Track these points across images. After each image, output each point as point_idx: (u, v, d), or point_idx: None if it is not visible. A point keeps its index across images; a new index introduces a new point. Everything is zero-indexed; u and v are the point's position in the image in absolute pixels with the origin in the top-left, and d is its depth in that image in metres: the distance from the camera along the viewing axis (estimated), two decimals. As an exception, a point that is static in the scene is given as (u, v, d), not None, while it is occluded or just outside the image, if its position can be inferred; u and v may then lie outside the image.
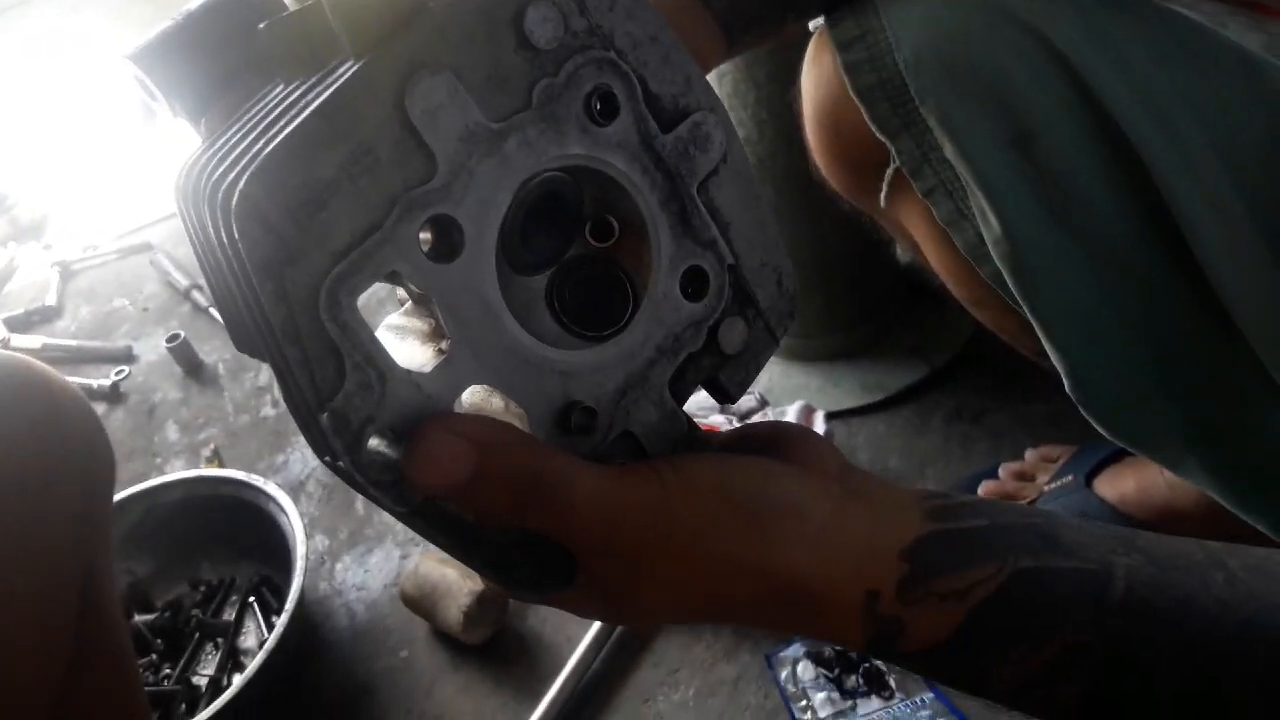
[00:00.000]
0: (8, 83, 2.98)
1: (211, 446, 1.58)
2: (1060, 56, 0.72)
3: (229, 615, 1.34)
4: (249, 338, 0.38)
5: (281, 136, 0.32)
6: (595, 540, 0.37)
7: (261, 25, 0.37)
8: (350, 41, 0.34)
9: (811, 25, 0.88)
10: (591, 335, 0.41)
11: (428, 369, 0.36)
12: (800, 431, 0.44)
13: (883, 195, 0.81)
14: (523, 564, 0.39)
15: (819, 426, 1.20)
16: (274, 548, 1.30)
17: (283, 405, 1.63)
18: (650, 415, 0.42)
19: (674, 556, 0.38)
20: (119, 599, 0.76)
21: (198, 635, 1.31)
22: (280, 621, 1.16)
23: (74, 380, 1.76)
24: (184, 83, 0.43)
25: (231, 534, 1.36)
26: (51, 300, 2.03)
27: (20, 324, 1.98)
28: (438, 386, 0.36)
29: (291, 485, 1.48)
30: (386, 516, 1.40)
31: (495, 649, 1.18)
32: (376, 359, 0.34)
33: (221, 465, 1.54)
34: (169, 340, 1.75)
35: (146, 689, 1.25)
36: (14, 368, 0.66)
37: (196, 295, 1.90)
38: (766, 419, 1.24)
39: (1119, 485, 1.06)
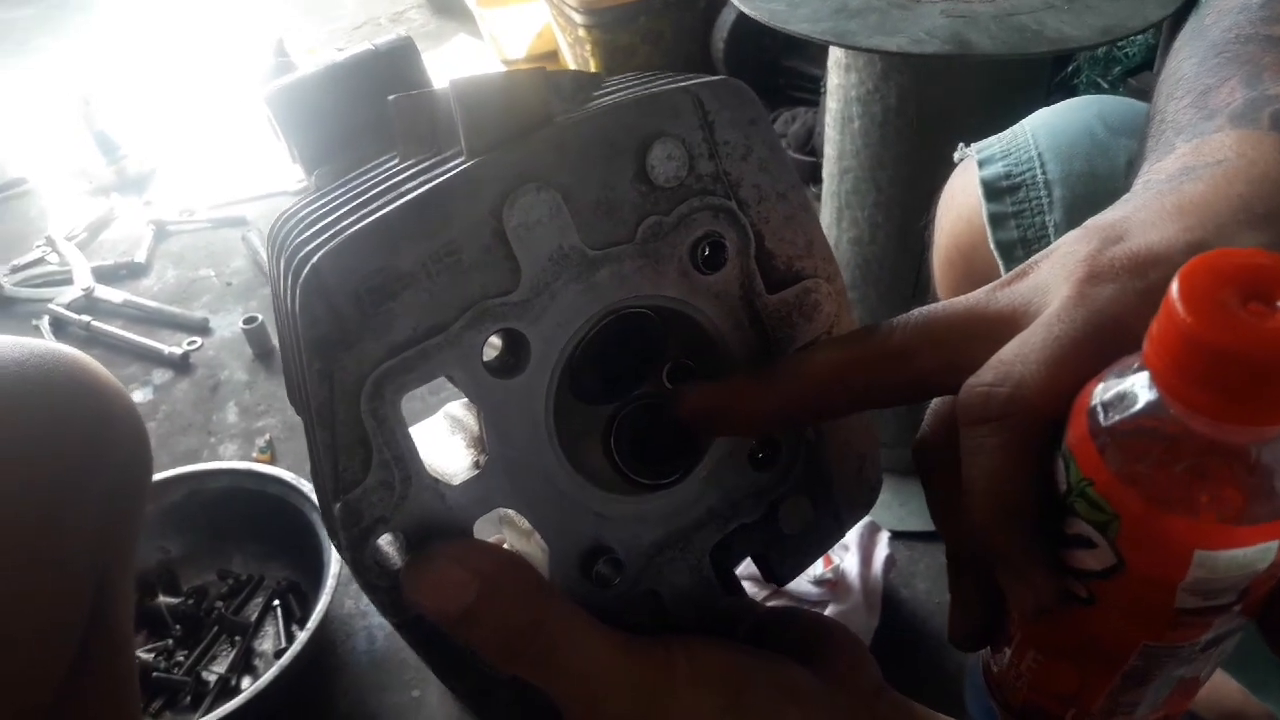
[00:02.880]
0: (146, 32, 3.05)
1: (267, 437, 1.58)
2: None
3: (251, 614, 1.32)
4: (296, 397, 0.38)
5: (370, 220, 0.31)
6: (583, 708, 0.34)
7: (392, 98, 0.36)
8: (466, 138, 0.33)
9: (957, 155, 0.85)
10: (641, 482, 0.38)
11: (457, 480, 0.34)
12: (842, 636, 0.40)
13: None
14: (505, 703, 0.37)
15: (882, 547, 1.15)
16: (307, 555, 1.28)
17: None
18: (682, 579, 0.38)
19: None
20: (131, 618, 0.73)
21: (216, 629, 1.30)
22: (301, 638, 1.14)
23: (147, 343, 1.78)
24: (307, 133, 0.42)
25: (268, 533, 1.35)
26: (141, 258, 2.05)
27: (107, 275, 2.00)
28: (463, 501, 0.34)
29: (336, 492, 1.46)
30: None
31: (508, 709, 1.15)
32: (406, 460, 0.33)
33: (274, 458, 1.54)
34: (246, 321, 1.75)
35: (157, 675, 1.24)
36: (71, 366, 0.64)
37: (280, 280, 1.91)
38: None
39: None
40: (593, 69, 2.19)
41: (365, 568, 0.33)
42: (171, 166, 2.39)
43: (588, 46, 2.16)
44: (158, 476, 1.38)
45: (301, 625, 1.24)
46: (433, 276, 0.32)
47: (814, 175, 1.89)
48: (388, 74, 0.41)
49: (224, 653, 1.29)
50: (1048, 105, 0.86)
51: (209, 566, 1.38)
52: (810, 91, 2.04)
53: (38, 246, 2.07)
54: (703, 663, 0.35)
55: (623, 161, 0.34)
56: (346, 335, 0.31)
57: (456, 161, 0.33)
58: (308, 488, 1.30)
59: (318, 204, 0.36)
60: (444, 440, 0.39)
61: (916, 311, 0.36)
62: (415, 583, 0.33)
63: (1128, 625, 0.31)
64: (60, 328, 1.86)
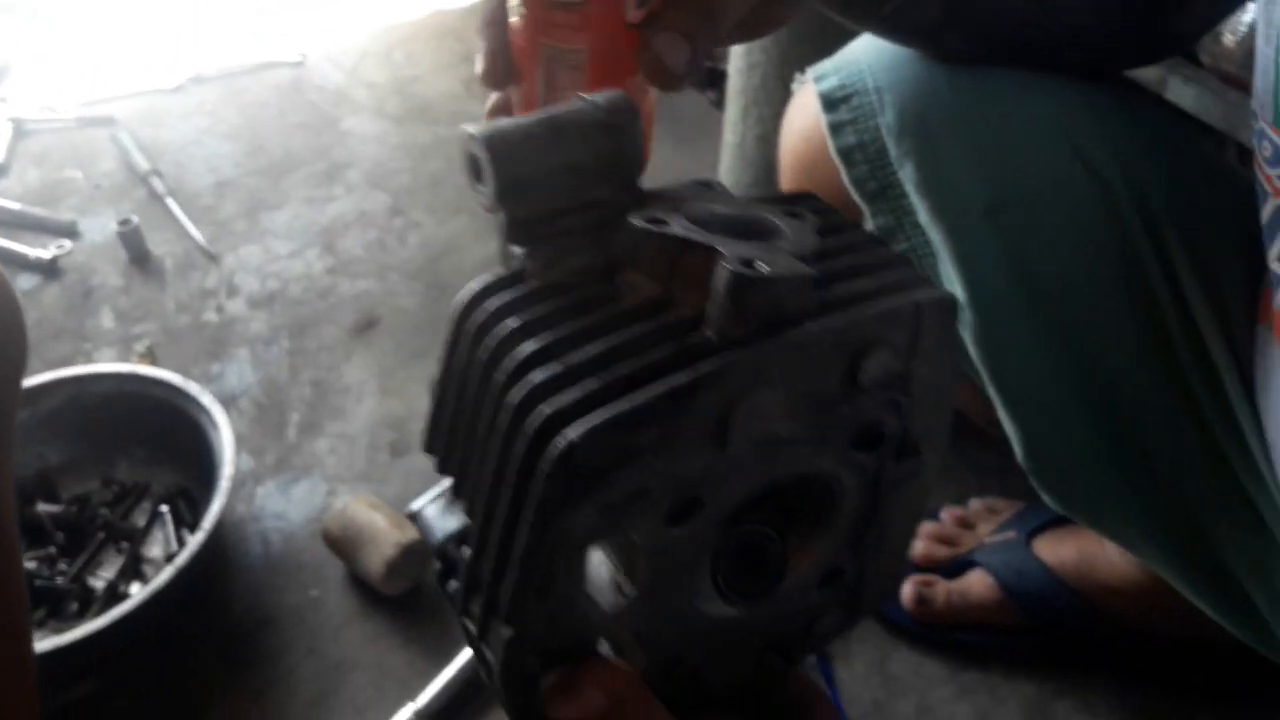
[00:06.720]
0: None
1: (146, 343, 1.52)
2: (1053, 124, 0.72)
3: (138, 520, 1.28)
4: (454, 460, 0.39)
5: (626, 404, 0.32)
6: None
7: (635, 223, 0.36)
8: (719, 325, 0.34)
9: (794, 84, 0.89)
10: (741, 597, 0.41)
11: (604, 605, 0.37)
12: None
13: None
14: None
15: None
16: (197, 460, 1.25)
17: (228, 312, 1.58)
18: (721, 675, 0.44)
19: None
20: (12, 502, 0.65)
21: (103, 535, 1.26)
22: (195, 539, 1.11)
23: (10, 247, 1.68)
24: (523, 190, 0.37)
25: (154, 438, 1.31)
26: (-1, 157, 1.92)
27: (-39, 176, 1.87)
28: (600, 624, 0.38)
29: (224, 398, 1.42)
30: (318, 447, 1.36)
31: (411, 603, 1.15)
32: (575, 598, 0.36)
33: (154, 364, 1.48)
34: (120, 224, 1.66)
35: (38, 582, 1.20)
36: None
37: (155, 181, 1.81)
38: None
39: (1059, 550, 1.06)
40: None
41: (514, 677, 0.37)
42: (31, 59, 2.22)
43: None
44: (32, 381, 1.31)
45: (192, 530, 1.22)
46: (656, 455, 0.34)
47: (712, 81, 1.89)
48: (600, 135, 0.38)
49: (111, 560, 1.25)
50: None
51: (92, 474, 1.32)
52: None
53: (-119, 144, 1.92)
54: None
55: (840, 359, 0.36)
56: (572, 499, 0.33)
57: (704, 338, 0.34)
58: (196, 390, 1.26)
59: (531, 313, 0.36)
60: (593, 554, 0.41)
61: None
62: (559, 702, 0.37)
63: None
64: (-88, 230, 1.74)
